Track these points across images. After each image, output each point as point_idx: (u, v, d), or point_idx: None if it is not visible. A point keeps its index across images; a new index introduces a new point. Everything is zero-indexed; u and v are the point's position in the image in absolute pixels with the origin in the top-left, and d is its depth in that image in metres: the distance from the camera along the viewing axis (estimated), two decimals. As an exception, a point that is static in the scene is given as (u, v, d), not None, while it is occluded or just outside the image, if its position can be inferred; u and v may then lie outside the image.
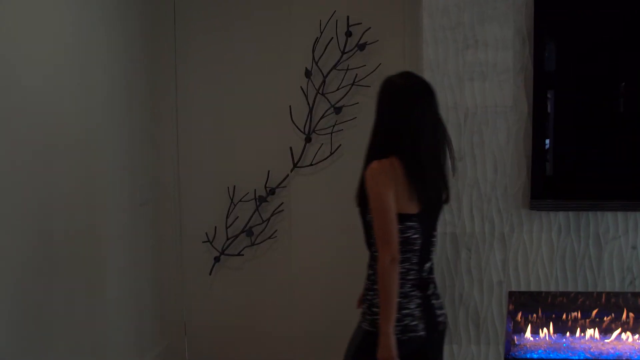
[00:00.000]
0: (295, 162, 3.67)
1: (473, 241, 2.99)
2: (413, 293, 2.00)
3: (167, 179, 3.61)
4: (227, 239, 3.74)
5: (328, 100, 3.61)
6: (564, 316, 3.12)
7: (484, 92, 2.94)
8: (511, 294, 3.01)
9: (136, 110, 3.27)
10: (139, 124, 3.33)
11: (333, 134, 3.63)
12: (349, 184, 2.39)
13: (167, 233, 3.65)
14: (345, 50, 3.57)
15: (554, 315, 3.13)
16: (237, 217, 3.72)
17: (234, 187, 3.71)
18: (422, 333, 1.99)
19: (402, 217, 1.94)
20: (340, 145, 3.65)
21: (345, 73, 3.58)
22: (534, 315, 3.14)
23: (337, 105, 3.59)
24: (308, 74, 3.59)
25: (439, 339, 2.12)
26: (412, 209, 1.96)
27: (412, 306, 1.99)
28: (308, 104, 3.62)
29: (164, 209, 3.62)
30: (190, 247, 3.76)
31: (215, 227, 3.74)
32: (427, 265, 2.07)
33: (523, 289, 2.99)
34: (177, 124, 3.65)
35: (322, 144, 3.65)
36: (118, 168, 3.03)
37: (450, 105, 2.95)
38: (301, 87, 3.62)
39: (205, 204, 3.76)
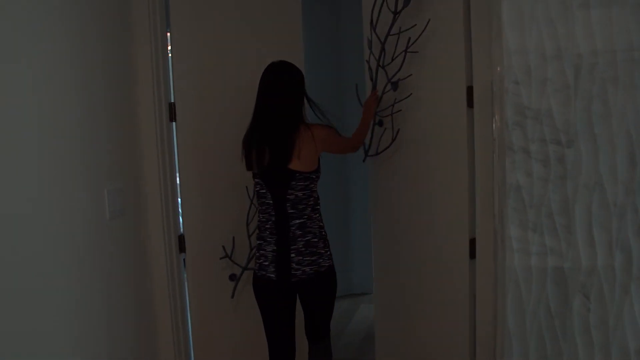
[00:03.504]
0: (367, 149, 2.85)
1: (594, 282, 1.77)
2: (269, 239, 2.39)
3: (151, 181, 2.70)
4: (251, 249, 2.85)
5: (386, 73, 2.68)
6: None
7: (610, 27, 1.69)
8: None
9: (100, 97, 2.38)
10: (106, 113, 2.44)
11: (393, 115, 2.75)
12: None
13: (154, 251, 2.72)
14: (397, 10, 2.59)
15: None
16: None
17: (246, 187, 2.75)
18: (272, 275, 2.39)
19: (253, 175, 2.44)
20: (399, 129, 2.75)
21: (398, 38, 2.61)
22: None
23: (393, 80, 2.66)
24: (370, 44, 2.71)
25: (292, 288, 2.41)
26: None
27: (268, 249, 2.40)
28: (371, 78, 2.76)
29: (149, 221, 2.71)
30: (196, 268, 2.85)
31: (234, 237, 2.85)
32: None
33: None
34: (162, 112, 2.71)
35: (385, 128, 2.82)
36: (74, 172, 2.16)
37: (549, 52, 1.74)
38: (367, 60, 2.76)
39: (212, 209, 2.85)
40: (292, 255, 2.35)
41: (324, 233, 2.43)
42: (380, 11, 2.62)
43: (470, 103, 2.51)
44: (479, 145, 2.49)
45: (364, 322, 4.32)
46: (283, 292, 2.41)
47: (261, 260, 2.41)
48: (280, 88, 2.35)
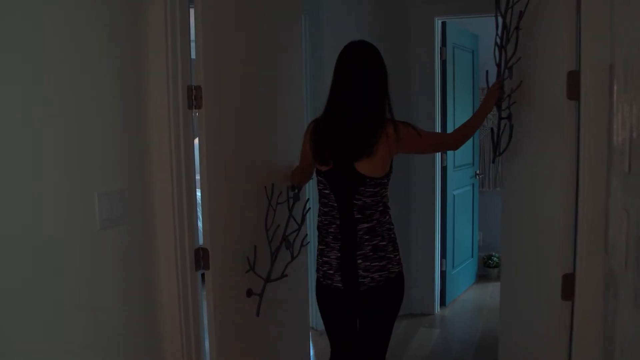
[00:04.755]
0: (496, 145, 2.41)
1: None
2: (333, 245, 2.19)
3: (161, 181, 2.16)
4: (273, 258, 2.43)
5: (506, 54, 2.25)
6: None
7: None
8: None
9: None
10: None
11: (510, 107, 2.34)
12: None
13: (163, 272, 2.22)
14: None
15: None
16: (278, 226, 2.42)
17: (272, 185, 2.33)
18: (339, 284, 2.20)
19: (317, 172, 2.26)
20: (512, 125, 2.33)
21: (511, 14, 2.18)
22: None
23: (509, 65, 2.25)
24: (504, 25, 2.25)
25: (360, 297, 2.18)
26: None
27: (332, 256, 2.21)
28: (497, 63, 2.30)
29: (157, 231, 2.17)
30: (219, 289, 2.34)
31: (255, 246, 2.38)
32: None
33: None
34: (178, 96, 2.20)
35: (512, 124, 2.36)
36: (49, 169, 1.71)
37: None
38: (496, 42, 2.27)
39: (237, 215, 2.34)
40: (359, 261, 2.14)
41: (393, 235, 2.20)
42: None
43: (572, 94, 1.87)
44: (586, 150, 1.84)
45: (422, 349, 3.72)
46: (351, 303, 2.21)
47: (325, 268, 2.22)
48: (363, 74, 2.09)
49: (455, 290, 4.65)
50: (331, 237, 2.19)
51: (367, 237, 2.13)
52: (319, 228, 2.26)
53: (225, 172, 2.37)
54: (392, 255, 2.17)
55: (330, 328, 2.31)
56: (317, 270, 2.27)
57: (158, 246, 2.17)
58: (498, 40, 2.23)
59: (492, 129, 2.42)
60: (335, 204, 2.17)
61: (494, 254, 5.18)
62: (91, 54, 1.82)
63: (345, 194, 2.14)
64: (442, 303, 4.41)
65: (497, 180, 5.23)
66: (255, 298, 2.41)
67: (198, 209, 2.34)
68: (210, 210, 2.29)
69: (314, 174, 2.36)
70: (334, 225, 2.18)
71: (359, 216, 2.13)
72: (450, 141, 2.33)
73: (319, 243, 2.26)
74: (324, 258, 2.23)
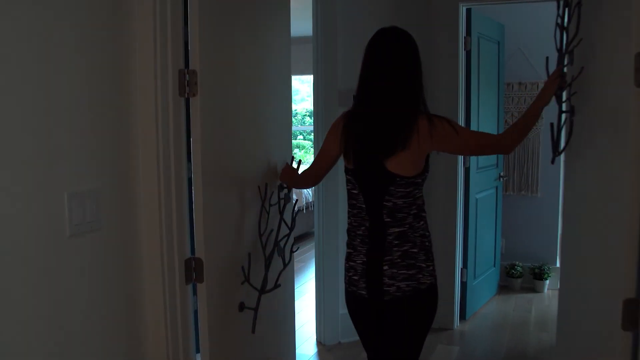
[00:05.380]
0: (556, 142, 2.16)
1: None
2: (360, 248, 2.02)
3: (146, 179, 1.83)
4: (267, 266, 2.23)
5: (567, 35, 2.03)
6: None
7: None
8: None
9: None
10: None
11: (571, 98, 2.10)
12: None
13: (147, 288, 1.90)
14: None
15: None
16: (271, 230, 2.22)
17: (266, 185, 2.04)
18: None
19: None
20: (573, 120, 2.12)
21: None
22: None
23: (570, 49, 2.02)
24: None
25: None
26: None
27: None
28: (558, 49, 2.06)
29: (140, 238, 1.84)
30: (213, 305, 2.02)
31: (250, 254, 2.14)
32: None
33: None
34: (168, 81, 1.87)
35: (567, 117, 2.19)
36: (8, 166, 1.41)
37: None
38: (557, 22, 2.05)
39: (233, 219, 2.04)
40: (385, 267, 1.95)
41: (427, 243, 2.00)
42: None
43: (642, 80, 1.54)
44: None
45: (439, 370, 3.39)
46: (377, 313, 2.04)
47: (350, 274, 2.06)
48: (395, 63, 1.92)
49: (476, 302, 4.30)
50: (358, 240, 2.03)
51: (396, 242, 1.95)
52: (348, 231, 2.10)
53: (222, 170, 2.07)
54: (423, 265, 1.97)
55: (361, 337, 2.16)
56: (344, 276, 2.11)
57: (142, 256, 1.86)
58: (559, 20, 1.93)
59: (551, 124, 2.12)
60: (364, 205, 2.00)
61: (517, 263, 4.83)
62: (58, 23, 1.51)
63: (374, 194, 1.97)
64: (462, 316, 4.07)
65: (522, 184, 4.88)
66: (248, 312, 2.14)
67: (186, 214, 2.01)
68: (206, 214, 1.98)
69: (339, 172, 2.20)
70: (362, 228, 2.01)
71: (389, 220, 1.95)
72: (502, 143, 2.04)
73: (347, 246, 2.09)
74: (350, 263, 2.07)
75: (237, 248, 2.14)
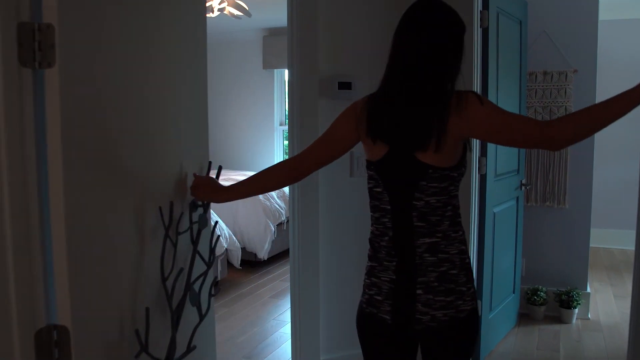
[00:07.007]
0: None
1: None
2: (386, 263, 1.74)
3: None
4: (174, 323, 1.58)
5: None
6: None
7: None
8: None
9: None
10: None
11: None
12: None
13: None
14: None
15: None
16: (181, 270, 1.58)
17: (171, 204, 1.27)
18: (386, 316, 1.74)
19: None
20: None
21: None
22: None
23: None
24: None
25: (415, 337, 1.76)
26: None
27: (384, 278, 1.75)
28: None
29: None
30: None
31: (148, 308, 1.51)
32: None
33: None
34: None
35: None
36: None
37: None
38: None
39: (112, 254, 1.31)
40: (419, 291, 1.67)
41: (467, 261, 1.72)
42: None
43: None
44: None
45: None
46: (400, 342, 1.76)
47: (372, 292, 1.76)
48: (433, 42, 1.64)
49: (493, 339, 3.53)
50: (384, 252, 1.74)
51: (430, 258, 1.68)
52: (370, 240, 1.81)
53: (95, 180, 1.33)
54: (464, 288, 1.70)
55: None
56: (363, 293, 1.81)
57: None
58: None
59: None
60: (389, 207, 1.72)
61: (540, 287, 4.05)
62: None
63: (402, 191, 1.70)
64: (476, 358, 3.31)
65: (547, 193, 4.11)
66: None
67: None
68: (73, 253, 1.25)
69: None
70: (386, 237, 1.73)
71: (420, 224, 1.67)
72: (550, 134, 1.53)
73: (370, 259, 1.79)
74: (372, 279, 1.77)
75: (128, 303, 1.41)
